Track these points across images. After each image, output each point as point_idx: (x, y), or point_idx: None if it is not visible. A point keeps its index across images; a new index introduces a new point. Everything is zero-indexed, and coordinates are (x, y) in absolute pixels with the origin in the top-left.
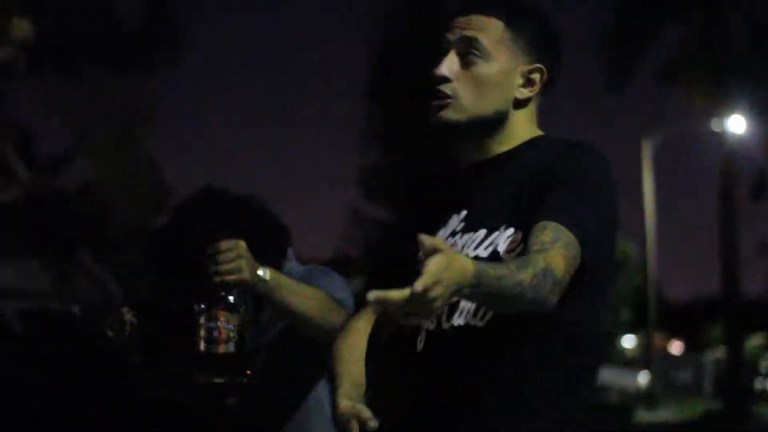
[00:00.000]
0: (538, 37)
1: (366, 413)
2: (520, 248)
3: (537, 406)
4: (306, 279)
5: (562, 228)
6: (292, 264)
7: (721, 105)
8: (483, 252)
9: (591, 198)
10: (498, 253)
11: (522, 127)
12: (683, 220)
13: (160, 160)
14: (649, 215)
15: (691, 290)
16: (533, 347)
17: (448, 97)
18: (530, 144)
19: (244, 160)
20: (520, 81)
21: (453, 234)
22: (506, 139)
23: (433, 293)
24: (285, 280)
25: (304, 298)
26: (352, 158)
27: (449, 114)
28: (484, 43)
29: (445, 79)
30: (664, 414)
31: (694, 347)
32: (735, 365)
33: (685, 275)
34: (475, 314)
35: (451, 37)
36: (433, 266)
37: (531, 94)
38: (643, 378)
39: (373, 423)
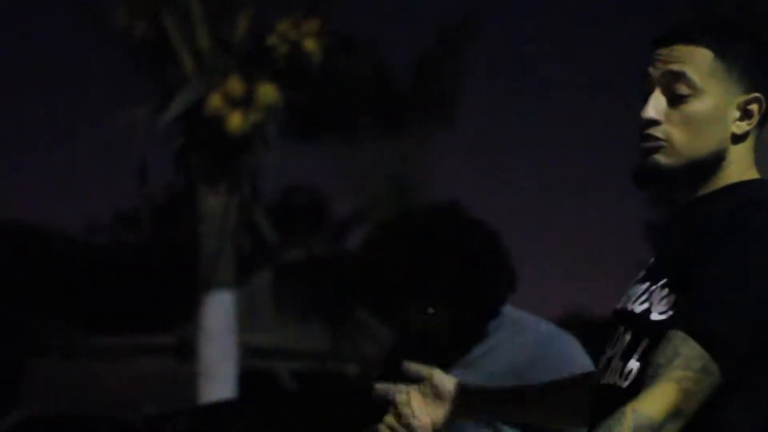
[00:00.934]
0: (752, 63)
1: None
2: (671, 313)
3: None
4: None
5: (686, 341)
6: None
7: None
8: (638, 307)
9: (749, 271)
10: (650, 311)
11: (738, 167)
12: None
13: None
14: None
15: None
16: None
17: (659, 139)
18: (729, 189)
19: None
20: (737, 114)
21: (634, 282)
22: (719, 180)
23: None
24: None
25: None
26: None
27: (662, 159)
28: (693, 78)
29: (654, 122)
30: None
31: None
32: None
33: None
34: (620, 374)
35: (654, 72)
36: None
37: (750, 128)
38: None
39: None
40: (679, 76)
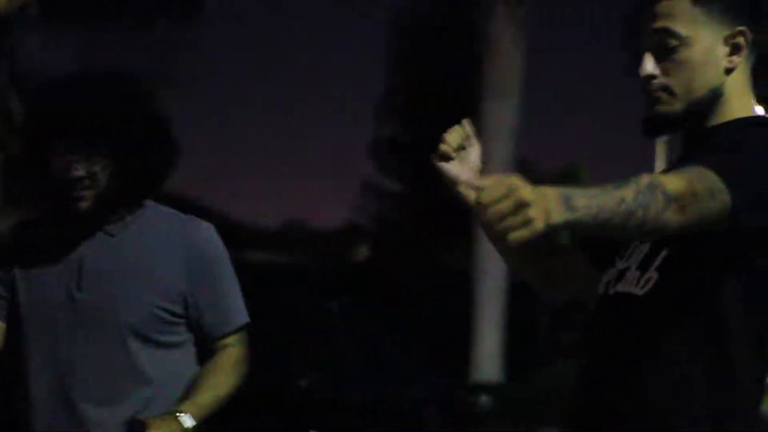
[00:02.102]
0: (730, 1)
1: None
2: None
3: (667, 389)
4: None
5: (704, 170)
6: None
7: None
8: (643, 247)
9: (751, 163)
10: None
11: (738, 99)
12: None
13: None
14: None
15: None
16: (682, 329)
17: (658, 91)
18: (733, 124)
19: (257, 122)
20: (726, 50)
21: None
22: (720, 113)
23: (508, 200)
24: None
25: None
26: (367, 130)
27: (666, 107)
28: (677, 29)
29: (651, 77)
30: None
31: None
32: None
33: None
34: (637, 282)
35: (644, 32)
36: (496, 179)
37: (741, 59)
38: None
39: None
40: (664, 31)
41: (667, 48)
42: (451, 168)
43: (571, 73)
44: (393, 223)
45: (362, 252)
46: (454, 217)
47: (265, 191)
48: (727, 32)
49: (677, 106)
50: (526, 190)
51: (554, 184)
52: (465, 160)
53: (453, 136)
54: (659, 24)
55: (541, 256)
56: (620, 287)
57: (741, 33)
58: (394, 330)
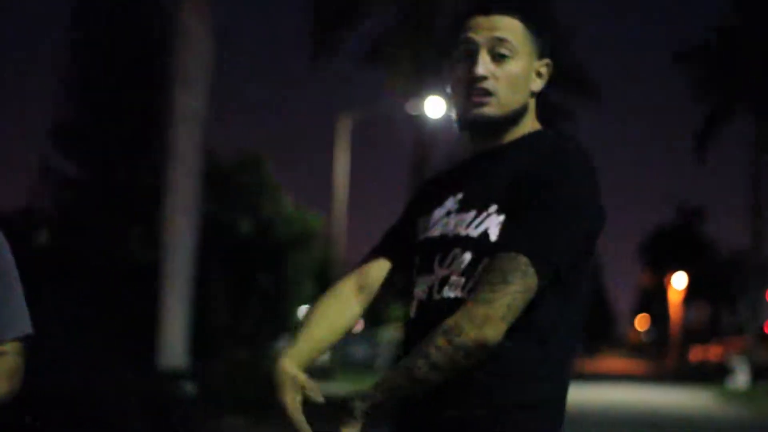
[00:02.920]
0: (544, 34)
1: (308, 385)
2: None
3: (501, 381)
4: None
5: (517, 260)
6: None
7: (422, 87)
8: (473, 232)
9: (562, 211)
10: (488, 235)
11: (530, 118)
12: (377, 197)
13: None
14: (340, 189)
15: None
16: (510, 331)
17: (488, 94)
18: (529, 138)
19: None
20: (535, 75)
21: (448, 213)
22: (516, 129)
23: None
24: None
25: None
26: (47, 112)
27: (490, 110)
28: (513, 42)
29: (484, 78)
30: (338, 387)
31: (373, 324)
32: None
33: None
34: (463, 288)
35: (478, 37)
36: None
37: (542, 86)
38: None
39: (317, 398)
40: (503, 41)
41: (499, 56)
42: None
43: (259, 63)
44: (74, 209)
45: (42, 238)
46: (137, 204)
47: None
48: (537, 59)
49: (498, 112)
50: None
51: (234, 173)
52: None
53: None
54: (500, 33)
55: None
56: (446, 293)
57: (547, 65)
58: (81, 318)
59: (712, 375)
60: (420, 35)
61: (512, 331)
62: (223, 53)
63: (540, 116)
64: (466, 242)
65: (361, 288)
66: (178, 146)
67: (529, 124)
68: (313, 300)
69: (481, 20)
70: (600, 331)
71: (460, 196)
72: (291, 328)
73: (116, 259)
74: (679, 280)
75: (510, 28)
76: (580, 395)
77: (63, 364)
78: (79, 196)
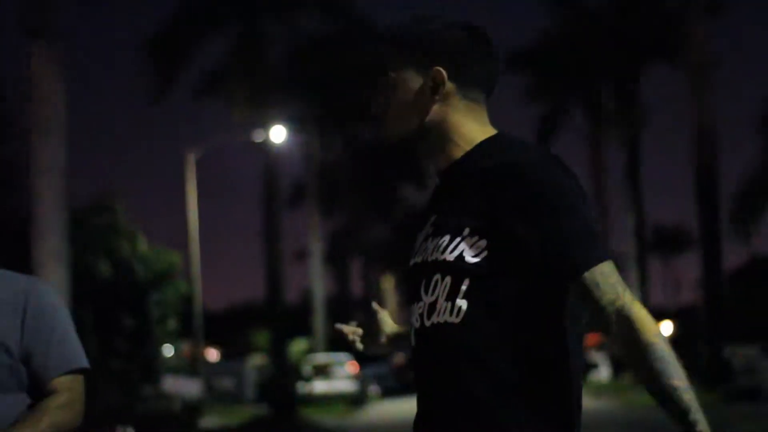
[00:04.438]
0: (421, 49)
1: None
2: (485, 255)
3: (494, 404)
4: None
5: (599, 271)
6: None
7: (263, 116)
8: (449, 256)
9: (579, 210)
10: (464, 258)
11: (465, 127)
12: (227, 230)
13: None
14: (192, 225)
15: (227, 298)
16: (499, 351)
17: (384, 125)
18: (480, 148)
19: None
20: (428, 90)
21: (426, 238)
22: (455, 143)
23: None
24: None
25: None
26: None
27: (389, 133)
28: (392, 76)
29: (376, 115)
30: (212, 420)
31: (231, 354)
32: (280, 370)
33: (224, 284)
34: (450, 312)
35: (378, 86)
36: None
37: (441, 96)
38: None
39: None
40: (382, 76)
41: (384, 88)
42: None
43: (111, 106)
44: None
45: None
46: (5, 254)
47: None
48: (426, 73)
49: (395, 134)
50: None
51: (88, 217)
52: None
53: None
54: (380, 71)
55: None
56: (435, 319)
57: (435, 72)
58: None
59: None
60: (254, 66)
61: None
62: (75, 98)
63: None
64: (445, 267)
65: None
66: (43, 197)
67: (470, 133)
68: (176, 337)
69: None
70: None
71: (433, 218)
72: (158, 368)
73: None
74: None
75: (388, 60)
76: None
77: None
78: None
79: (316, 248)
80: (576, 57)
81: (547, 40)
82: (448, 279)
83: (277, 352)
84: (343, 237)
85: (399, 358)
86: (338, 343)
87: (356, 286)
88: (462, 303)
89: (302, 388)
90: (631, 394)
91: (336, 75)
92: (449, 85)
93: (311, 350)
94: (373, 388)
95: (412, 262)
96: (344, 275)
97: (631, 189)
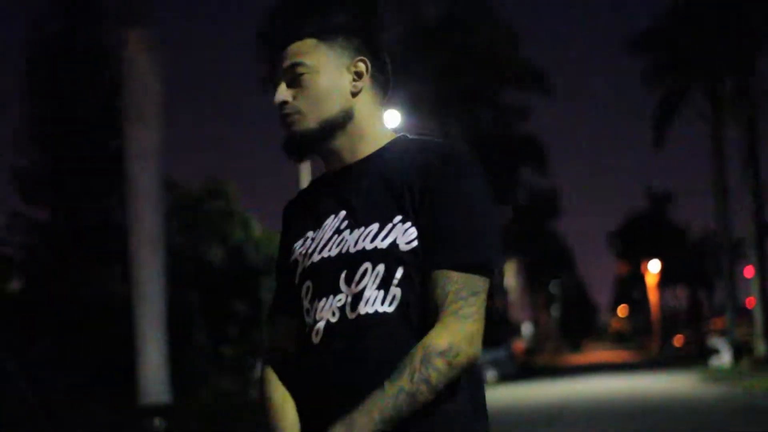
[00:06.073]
0: (350, 36)
1: None
2: (416, 244)
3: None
4: None
5: (473, 269)
6: None
7: None
8: (382, 244)
9: (485, 211)
10: (397, 245)
11: (371, 124)
12: None
13: None
14: None
15: None
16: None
17: (291, 115)
18: (393, 145)
19: None
20: (351, 76)
21: (339, 231)
22: (362, 140)
23: None
24: None
25: None
26: (7, 160)
27: (299, 126)
28: (305, 61)
29: (284, 103)
30: None
31: None
32: None
33: None
34: (383, 301)
35: (278, 71)
36: None
37: (363, 83)
38: None
39: None
40: (296, 65)
41: (297, 77)
42: None
43: (211, 93)
44: (44, 253)
45: (14, 284)
46: (107, 243)
47: None
48: (348, 62)
49: (310, 125)
50: None
51: (201, 202)
52: None
53: None
54: (292, 60)
55: None
56: (364, 309)
57: (361, 61)
58: (61, 362)
59: (696, 357)
60: None
61: None
62: (175, 87)
63: (497, 118)
64: (377, 255)
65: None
66: (137, 182)
67: (375, 130)
68: None
69: (282, 55)
70: (583, 325)
71: (342, 213)
72: None
73: (90, 299)
74: (654, 267)
75: (304, 49)
76: (569, 389)
77: (31, 407)
78: (49, 240)
79: None
80: (698, 38)
81: (670, 21)
82: (380, 267)
83: None
84: None
85: (518, 343)
86: None
87: None
88: (396, 291)
89: None
90: (751, 380)
91: (452, 59)
92: (366, 75)
93: None
94: (490, 373)
95: (320, 257)
96: None
97: (751, 174)
